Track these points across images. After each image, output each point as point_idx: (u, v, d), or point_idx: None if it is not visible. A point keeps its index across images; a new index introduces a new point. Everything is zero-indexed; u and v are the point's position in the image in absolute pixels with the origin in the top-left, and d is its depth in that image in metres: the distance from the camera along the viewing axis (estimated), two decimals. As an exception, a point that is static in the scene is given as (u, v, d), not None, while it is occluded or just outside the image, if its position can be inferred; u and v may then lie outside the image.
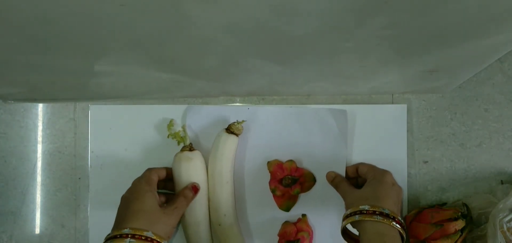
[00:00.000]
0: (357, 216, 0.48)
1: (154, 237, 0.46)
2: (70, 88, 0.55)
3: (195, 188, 0.54)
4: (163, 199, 0.56)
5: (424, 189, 0.60)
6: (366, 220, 0.47)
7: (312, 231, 0.58)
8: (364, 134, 0.60)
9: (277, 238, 0.58)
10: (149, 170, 0.55)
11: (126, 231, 0.45)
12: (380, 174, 0.53)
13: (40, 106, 0.63)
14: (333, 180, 0.57)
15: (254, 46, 0.41)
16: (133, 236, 0.45)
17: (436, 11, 0.32)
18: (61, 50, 0.39)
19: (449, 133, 0.61)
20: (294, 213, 0.59)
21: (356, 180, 0.58)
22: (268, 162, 0.59)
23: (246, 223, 0.60)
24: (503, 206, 0.53)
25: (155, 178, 0.54)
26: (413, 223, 0.56)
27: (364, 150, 0.60)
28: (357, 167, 0.57)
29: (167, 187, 0.58)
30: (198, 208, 0.56)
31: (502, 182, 0.59)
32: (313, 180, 0.59)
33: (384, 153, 0.60)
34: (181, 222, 0.57)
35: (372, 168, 0.55)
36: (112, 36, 0.36)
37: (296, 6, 0.31)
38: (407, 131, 0.60)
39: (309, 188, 0.59)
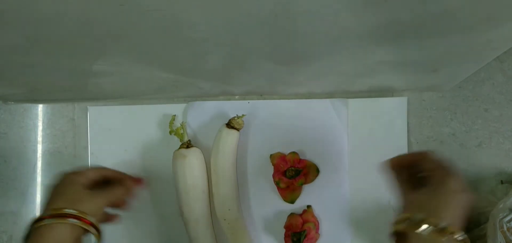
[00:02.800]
0: (408, 222, 0.42)
1: (76, 213, 0.43)
2: (70, 88, 0.55)
3: (138, 180, 0.53)
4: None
5: (424, 189, 0.60)
6: (418, 232, 0.41)
7: (318, 221, 0.59)
8: (364, 128, 0.60)
9: (283, 230, 0.58)
10: (85, 168, 0.52)
11: (44, 214, 0.44)
12: (443, 177, 0.44)
13: (40, 106, 0.63)
14: (391, 169, 0.48)
15: (254, 46, 0.41)
16: (51, 216, 0.43)
17: (436, 7, 0.32)
18: (61, 50, 0.39)
19: (449, 133, 0.61)
20: (299, 205, 0.59)
21: (413, 171, 0.48)
22: (271, 155, 0.59)
23: (251, 217, 0.60)
24: (503, 206, 0.53)
25: (86, 171, 0.50)
26: None
27: (364, 144, 0.60)
28: (421, 157, 0.46)
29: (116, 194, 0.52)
30: (196, 204, 0.56)
31: (502, 182, 0.59)
32: (317, 171, 0.59)
33: (385, 149, 0.59)
34: (182, 219, 0.57)
35: (438, 166, 0.45)
36: (111, 36, 0.36)
37: (297, 5, 0.31)
38: (407, 131, 0.60)
39: (313, 179, 0.59)
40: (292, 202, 0.59)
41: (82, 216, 0.44)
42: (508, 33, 0.38)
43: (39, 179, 0.63)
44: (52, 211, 0.43)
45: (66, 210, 0.43)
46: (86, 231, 0.44)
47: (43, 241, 0.42)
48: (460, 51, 0.44)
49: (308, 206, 0.59)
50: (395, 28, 0.36)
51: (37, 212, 0.63)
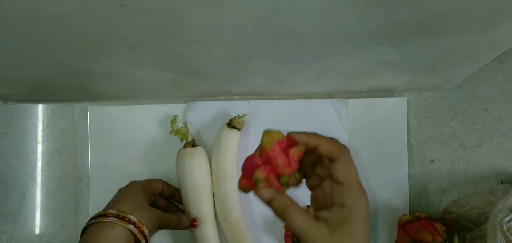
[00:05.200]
0: None
1: (136, 221, 0.47)
2: (70, 88, 0.55)
3: (193, 221, 0.55)
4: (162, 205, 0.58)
5: (424, 189, 0.60)
6: None
7: None
8: (364, 128, 0.60)
9: (284, 230, 0.58)
10: (151, 179, 0.57)
11: (111, 211, 0.47)
12: (350, 198, 0.34)
13: (40, 106, 0.63)
14: (271, 203, 0.37)
15: (255, 46, 0.41)
16: (117, 216, 0.46)
17: (436, 8, 0.32)
18: (61, 50, 0.39)
19: (449, 133, 0.61)
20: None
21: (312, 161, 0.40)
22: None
23: (251, 217, 0.60)
24: (503, 206, 0.53)
25: (153, 184, 0.55)
26: (401, 230, 0.57)
27: (364, 144, 0.60)
28: (316, 147, 0.38)
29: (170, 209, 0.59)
30: (203, 204, 0.56)
31: (502, 182, 0.59)
32: None
33: (385, 149, 0.60)
34: None
35: (345, 178, 0.35)
36: (111, 36, 0.36)
37: (296, 5, 0.31)
38: (407, 131, 0.60)
39: None
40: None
41: (141, 226, 0.47)
42: (508, 33, 0.38)
43: (39, 179, 0.63)
44: (119, 212, 0.47)
45: (130, 216, 0.47)
46: (137, 239, 0.47)
47: (103, 236, 0.45)
48: (460, 51, 0.44)
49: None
50: (395, 28, 0.36)
51: (37, 212, 0.63)
